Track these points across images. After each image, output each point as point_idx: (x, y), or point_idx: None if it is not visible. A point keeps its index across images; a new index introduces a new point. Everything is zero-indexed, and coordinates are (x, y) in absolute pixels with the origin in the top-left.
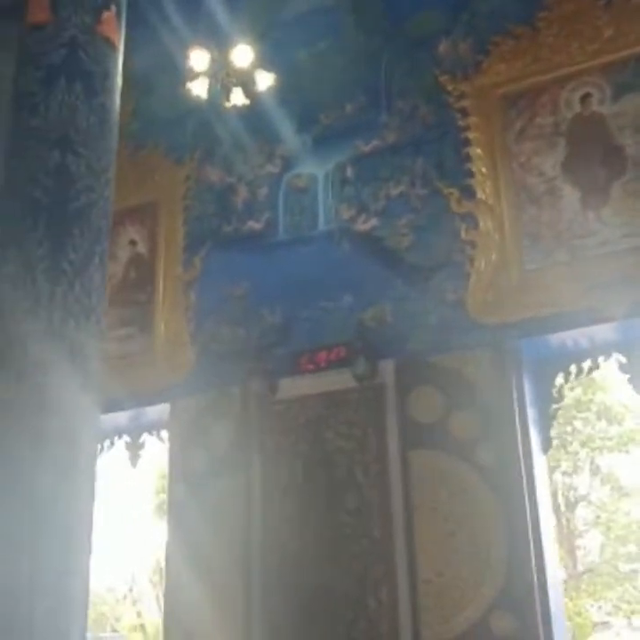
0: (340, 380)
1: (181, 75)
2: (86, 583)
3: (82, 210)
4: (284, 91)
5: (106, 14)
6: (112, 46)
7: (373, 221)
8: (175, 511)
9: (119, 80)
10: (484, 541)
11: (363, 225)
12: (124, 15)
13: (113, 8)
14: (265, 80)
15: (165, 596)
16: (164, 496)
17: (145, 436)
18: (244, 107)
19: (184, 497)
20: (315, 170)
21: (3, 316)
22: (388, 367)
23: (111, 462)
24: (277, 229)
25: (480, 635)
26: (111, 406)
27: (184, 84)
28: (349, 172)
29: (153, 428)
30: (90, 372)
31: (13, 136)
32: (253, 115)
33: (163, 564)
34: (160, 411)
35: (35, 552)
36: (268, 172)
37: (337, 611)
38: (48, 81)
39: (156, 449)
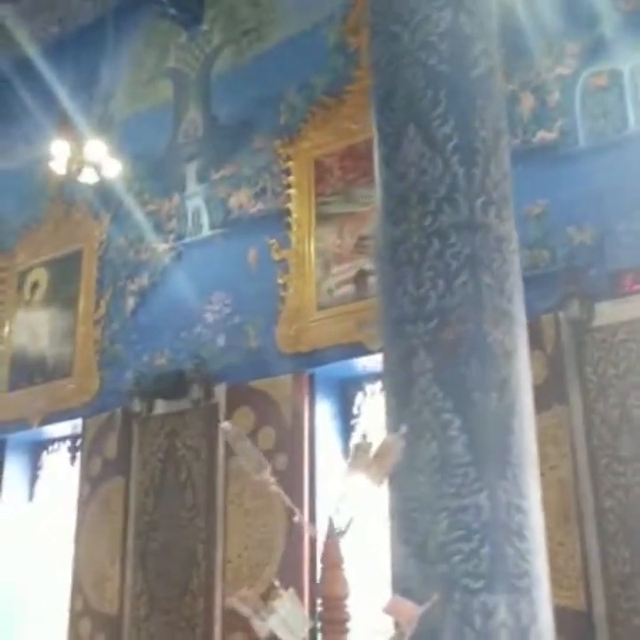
0: None
1: None
2: (540, 523)
3: (483, 78)
4: None
5: None
6: None
7: None
8: None
9: None
10: None
11: None
12: None
13: None
14: None
15: None
16: None
17: None
18: (527, 2)
19: None
20: (618, 64)
21: (412, 207)
22: None
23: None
24: (576, 137)
25: None
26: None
27: None
28: None
29: None
30: (515, 272)
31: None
32: (537, 11)
33: None
34: None
35: (493, 487)
36: (559, 75)
37: None
38: None
39: None
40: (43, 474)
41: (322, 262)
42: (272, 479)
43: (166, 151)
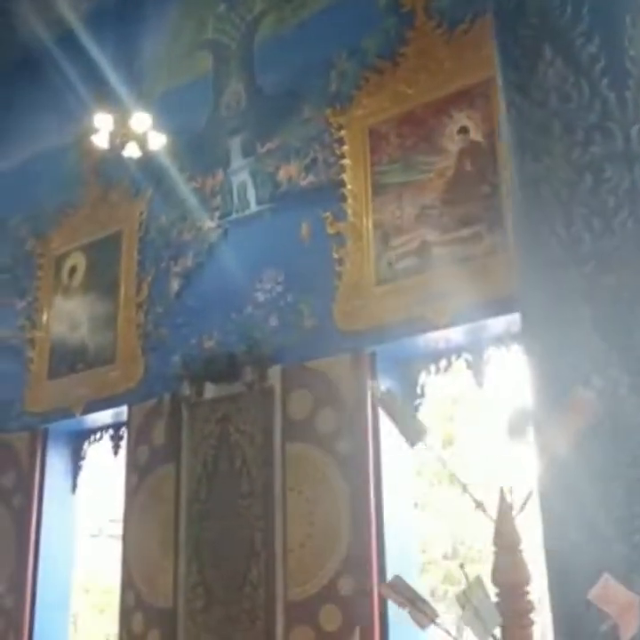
0: None
1: None
2: None
3: None
4: None
5: None
6: None
7: None
8: None
9: None
10: None
11: None
12: None
13: None
14: None
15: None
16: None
17: (490, 353)
18: None
19: None
20: None
21: (556, 138)
22: None
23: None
24: None
25: None
26: (456, 319)
27: None
28: None
29: (500, 342)
30: None
31: None
32: None
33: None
34: (509, 321)
35: None
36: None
37: None
38: None
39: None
40: (86, 464)
41: (380, 235)
42: (435, 448)
43: (207, 125)
